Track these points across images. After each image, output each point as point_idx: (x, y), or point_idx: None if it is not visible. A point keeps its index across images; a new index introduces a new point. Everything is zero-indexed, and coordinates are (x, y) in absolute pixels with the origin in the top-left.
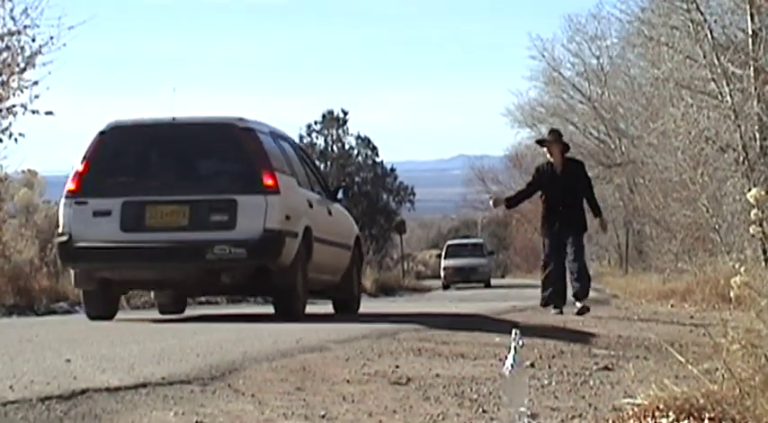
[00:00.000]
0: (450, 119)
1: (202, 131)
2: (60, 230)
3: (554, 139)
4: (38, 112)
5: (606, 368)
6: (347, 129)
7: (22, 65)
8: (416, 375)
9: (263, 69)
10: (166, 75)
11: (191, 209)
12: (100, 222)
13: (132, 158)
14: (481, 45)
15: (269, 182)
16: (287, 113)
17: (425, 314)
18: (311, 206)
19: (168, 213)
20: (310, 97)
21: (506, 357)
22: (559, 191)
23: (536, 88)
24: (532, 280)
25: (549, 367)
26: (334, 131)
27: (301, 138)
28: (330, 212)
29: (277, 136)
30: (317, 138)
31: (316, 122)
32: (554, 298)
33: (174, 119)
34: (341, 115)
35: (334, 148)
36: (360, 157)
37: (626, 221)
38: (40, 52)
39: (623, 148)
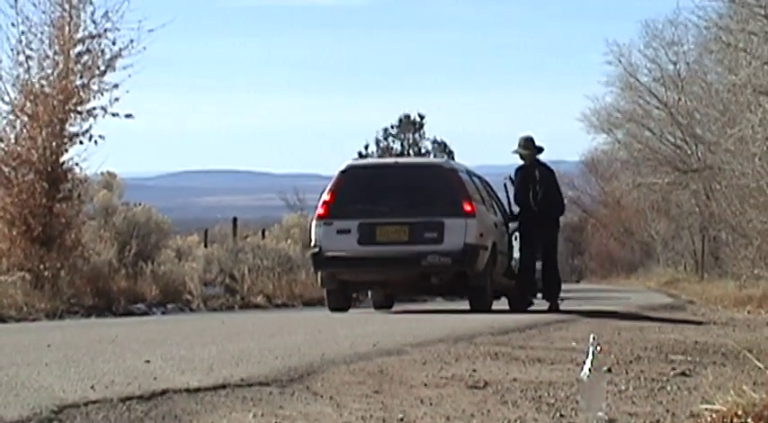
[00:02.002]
0: (525, 123)
1: (417, 170)
2: (313, 244)
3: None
4: (118, 114)
5: (683, 374)
6: (423, 133)
7: (103, 68)
8: (493, 379)
9: (341, 72)
10: (242, 77)
11: (410, 228)
12: (342, 238)
13: (365, 191)
14: (557, 50)
15: (468, 208)
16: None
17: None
18: (496, 226)
19: (393, 232)
20: (387, 101)
21: (584, 362)
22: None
23: (612, 93)
24: (608, 285)
25: (627, 372)
26: (411, 135)
27: (378, 142)
28: (508, 230)
29: (470, 173)
30: (393, 142)
31: (392, 126)
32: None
33: (396, 162)
34: (417, 119)
35: (411, 152)
36: (429, 158)
37: (702, 227)
38: (120, 55)
39: (700, 154)
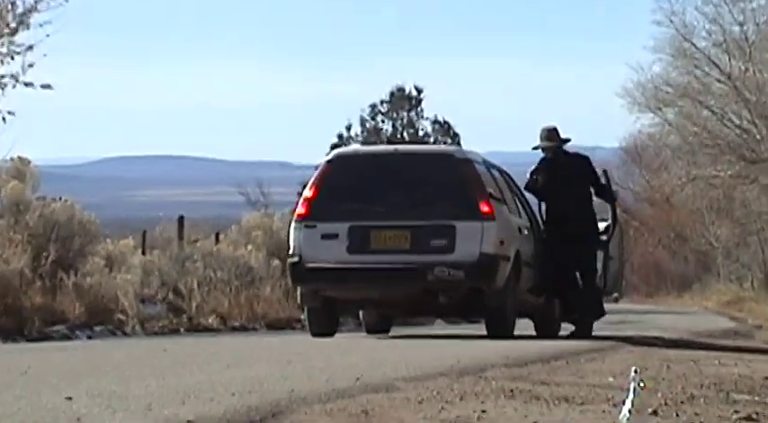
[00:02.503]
0: (551, 99)
1: (422, 161)
2: (291, 252)
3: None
4: (32, 85)
5: (750, 419)
6: (421, 110)
7: (13, 25)
8: None
9: (314, 33)
10: (189, 41)
11: (412, 233)
12: (328, 245)
13: (357, 185)
14: (591, 6)
15: (485, 209)
16: (345, 88)
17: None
18: (521, 231)
19: (391, 237)
20: (374, 70)
21: (623, 402)
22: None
23: (661, 62)
24: (654, 305)
25: (677, 416)
26: (405, 114)
27: (363, 121)
28: (536, 236)
29: (489, 165)
30: (383, 121)
31: (382, 102)
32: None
33: (396, 149)
34: (414, 93)
35: (405, 134)
36: (436, 145)
37: None
38: (35, 9)
39: None
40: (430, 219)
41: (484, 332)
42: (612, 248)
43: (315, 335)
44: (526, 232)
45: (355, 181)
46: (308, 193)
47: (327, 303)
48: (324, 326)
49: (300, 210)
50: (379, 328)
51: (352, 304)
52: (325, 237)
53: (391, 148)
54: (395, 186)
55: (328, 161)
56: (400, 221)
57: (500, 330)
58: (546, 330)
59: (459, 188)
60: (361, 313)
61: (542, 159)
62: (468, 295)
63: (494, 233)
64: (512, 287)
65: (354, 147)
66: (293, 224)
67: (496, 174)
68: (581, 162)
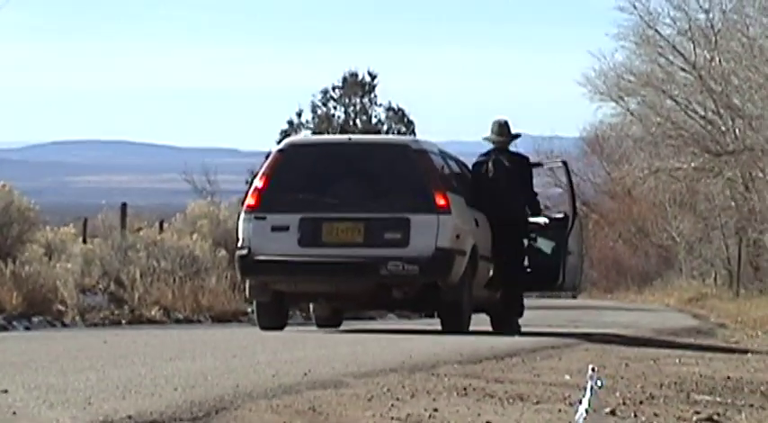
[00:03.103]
0: (509, 87)
1: (377, 152)
2: (239, 244)
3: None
4: None
5: (710, 420)
6: (375, 97)
7: None
8: (461, 422)
9: (265, 16)
10: (136, 20)
11: (365, 226)
12: (278, 237)
13: (309, 176)
14: None
15: (441, 202)
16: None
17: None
18: (477, 225)
19: (344, 230)
20: (327, 55)
21: (579, 401)
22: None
23: (624, 50)
24: (613, 301)
25: (636, 416)
26: (359, 100)
27: (315, 108)
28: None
29: (445, 156)
30: (335, 108)
31: (335, 88)
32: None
33: (349, 138)
34: (367, 79)
35: (358, 121)
36: (390, 134)
37: (738, 228)
38: None
39: (737, 132)
40: (384, 211)
41: (438, 327)
42: (572, 243)
43: (263, 329)
44: (484, 225)
45: (307, 171)
46: (258, 183)
47: (277, 297)
48: (273, 320)
49: (250, 200)
50: (329, 322)
51: (302, 298)
52: (275, 229)
53: (345, 137)
54: (348, 177)
55: (279, 150)
56: (353, 214)
57: (455, 326)
58: (503, 326)
59: (415, 180)
60: (311, 307)
61: (487, 153)
62: (423, 290)
63: (450, 227)
64: (468, 282)
65: (306, 135)
66: (242, 215)
67: (453, 165)
68: (521, 162)
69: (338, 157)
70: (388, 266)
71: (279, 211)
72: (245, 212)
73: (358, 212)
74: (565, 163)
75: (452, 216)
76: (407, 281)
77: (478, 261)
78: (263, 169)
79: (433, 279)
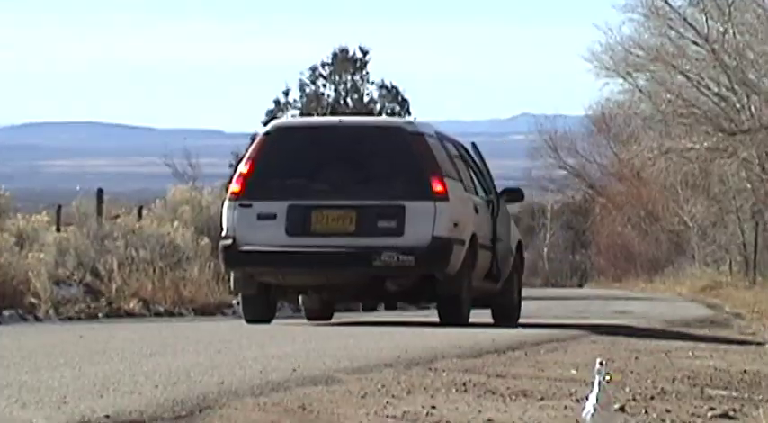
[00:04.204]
0: (509, 63)
1: (370, 134)
2: (224, 233)
3: None
4: None
5: (726, 416)
6: (367, 74)
7: None
8: (460, 420)
9: None
10: None
11: (358, 214)
12: (265, 226)
13: (297, 161)
14: None
15: (438, 188)
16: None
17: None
18: (477, 211)
19: (335, 219)
20: (316, 30)
21: (586, 397)
22: None
23: (632, 23)
24: (622, 290)
25: (646, 412)
26: (349, 78)
27: (303, 86)
28: (494, 215)
29: (443, 138)
30: (324, 86)
31: (324, 65)
32: None
33: (340, 120)
34: (358, 55)
35: (349, 100)
36: (384, 114)
37: (754, 211)
38: None
39: (753, 109)
40: (377, 198)
41: (435, 319)
42: (500, 230)
43: (249, 322)
44: (483, 212)
45: (295, 156)
46: (243, 168)
47: (263, 289)
48: (259, 312)
49: (235, 187)
50: (320, 314)
51: (290, 290)
52: (261, 217)
53: (335, 119)
54: (339, 162)
55: (266, 133)
56: (344, 201)
57: (454, 318)
58: (504, 319)
59: (410, 164)
60: (300, 298)
61: None
62: (420, 282)
63: (447, 214)
64: (467, 273)
65: (294, 117)
66: (226, 203)
67: (451, 148)
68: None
69: (328, 140)
70: (381, 257)
71: (265, 198)
72: (230, 200)
73: (349, 199)
74: (474, 144)
75: (450, 203)
76: (402, 272)
77: (478, 250)
78: (248, 154)
79: (430, 270)
